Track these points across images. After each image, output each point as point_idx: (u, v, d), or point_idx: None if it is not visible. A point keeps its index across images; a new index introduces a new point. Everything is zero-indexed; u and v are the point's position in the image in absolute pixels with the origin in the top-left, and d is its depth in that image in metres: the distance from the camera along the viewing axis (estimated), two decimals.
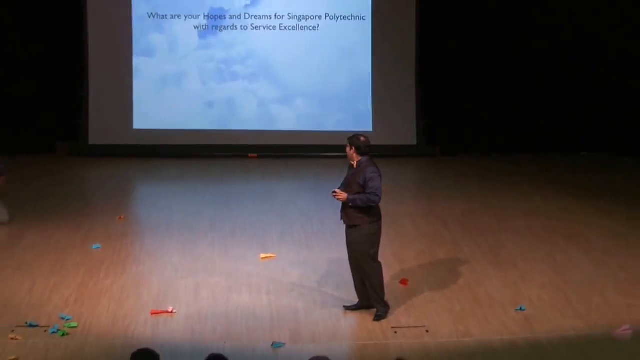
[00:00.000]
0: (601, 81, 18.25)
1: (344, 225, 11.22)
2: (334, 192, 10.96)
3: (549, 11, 18.16)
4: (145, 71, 18.75)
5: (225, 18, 18.68)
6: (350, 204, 10.87)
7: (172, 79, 18.79)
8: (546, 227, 14.61)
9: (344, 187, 11.03)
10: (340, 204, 11.11)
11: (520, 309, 11.57)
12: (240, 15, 18.65)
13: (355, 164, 10.98)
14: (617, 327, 11.01)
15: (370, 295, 11.30)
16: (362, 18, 18.66)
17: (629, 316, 11.37)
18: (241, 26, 18.66)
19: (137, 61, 18.72)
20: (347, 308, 11.49)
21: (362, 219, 10.98)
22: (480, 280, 12.51)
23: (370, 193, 10.80)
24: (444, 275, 12.67)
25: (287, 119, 18.88)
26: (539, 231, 14.45)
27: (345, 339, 10.91)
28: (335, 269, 12.56)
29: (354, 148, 10.95)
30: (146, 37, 18.71)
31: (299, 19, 18.61)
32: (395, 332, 10.93)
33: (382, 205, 11.03)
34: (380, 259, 11.33)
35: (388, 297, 11.47)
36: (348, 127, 17.94)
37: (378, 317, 11.23)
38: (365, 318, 11.27)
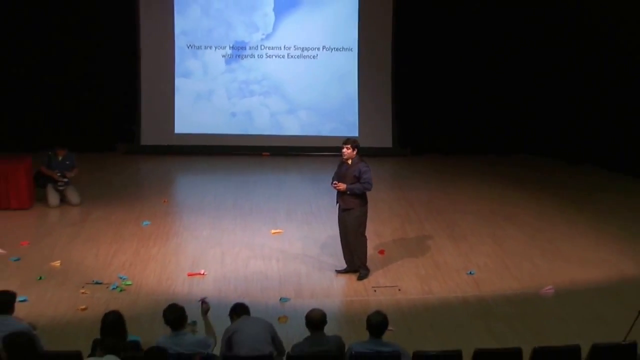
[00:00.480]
0: (538, 92, 18.20)
1: (336, 208, 11.27)
2: (335, 183, 10.98)
3: (505, 34, 18.14)
4: (184, 89, 18.67)
5: (245, 49, 18.60)
6: (349, 192, 10.90)
7: (205, 95, 18.73)
8: (490, 210, 14.60)
9: (338, 179, 11.04)
10: (335, 192, 11.14)
11: (470, 273, 11.64)
12: (257, 46, 18.56)
13: (350, 161, 10.98)
14: (543, 287, 11.11)
15: (356, 261, 11.37)
16: (350, 49, 18.58)
17: (552, 279, 11.45)
18: (258, 55, 18.58)
19: (178, 81, 18.64)
20: (338, 272, 11.54)
21: (355, 204, 11.06)
22: (440, 251, 12.54)
23: (365, 183, 10.89)
24: (412, 247, 12.69)
25: (293, 126, 18.79)
26: (485, 213, 14.44)
27: (337, 296, 10.93)
28: (329, 242, 12.56)
29: (356, 149, 10.98)
30: (185, 62, 18.63)
31: (302, 50, 18.54)
32: (375, 291, 10.99)
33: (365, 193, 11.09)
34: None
35: (369, 263, 11.54)
36: (340, 133, 17.90)
37: (361, 277, 11.32)
38: (352, 279, 11.33)
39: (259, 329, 8.00)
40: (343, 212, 11.19)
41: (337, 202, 11.21)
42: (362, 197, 11.08)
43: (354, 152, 10.97)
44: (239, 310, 8.27)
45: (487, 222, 13.91)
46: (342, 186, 10.91)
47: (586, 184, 16.47)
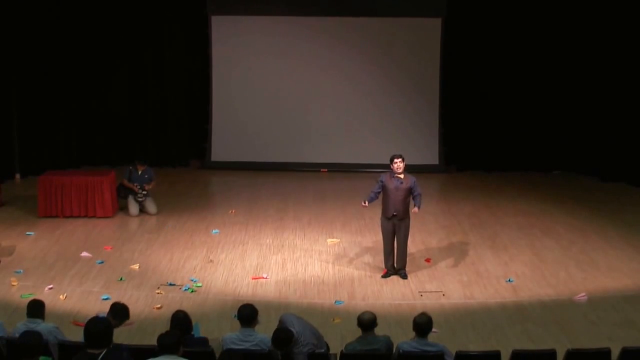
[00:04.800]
0: (574, 114, 18.02)
1: (383, 218, 11.40)
2: (415, 211, 11.38)
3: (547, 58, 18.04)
4: (250, 112, 18.64)
5: None
6: (419, 208, 11.36)
7: (266, 118, 18.81)
8: (528, 223, 14.41)
9: (395, 191, 11.13)
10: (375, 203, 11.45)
11: (509, 280, 11.53)
12: None
13: (402, 175, 11.06)
14: (576, 294, 10.97)
15: (402, 263, 11.50)
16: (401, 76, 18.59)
17: (585, 287, 11.30)
18: None
19: (245, 105, 18.60)
20: (383, 277, 11.55)
21: (407, 213, 11.32)
22: (481, 259, 12.45)
23: (420, 194, 11.28)
24: (456, 256, 12.60)
25: (348, 145, 18.60)
26: (523, 225, 14.26)
27: (386, 299, 10.88)
28: (380, 250, 12.43)
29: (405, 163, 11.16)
30: (252, 89, 18.63)
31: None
32: (421, 295, 10.95)
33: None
34: (411, 245, 11.55)
35: (416, 272, 11.59)
36: (392, 152, 17.74)
37: (405, 276, 11.47)
38: (400, 285, 11.29)
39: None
40: (399, 221, 11.25)
41: (392, 212, 11.21)
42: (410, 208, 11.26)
43: (405, 164, 11.13)
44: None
45: (526, 234, 13.75)
46: (416, 210, 11.34)
47: (619, 200, 16.18)
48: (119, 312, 7.95)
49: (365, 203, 11.37)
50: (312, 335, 7.90)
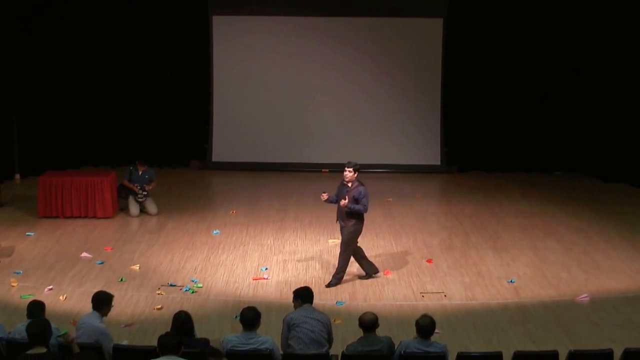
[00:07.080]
0: (576, 114, 18.03)
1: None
2: (342, 200, 10.86)
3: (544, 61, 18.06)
4: (251, 113, 18.64)
5: None
6: (348, 209, 10.82)
7: (267, 119, 18.78)
8: (530, 224, 14.40)
9: (339, 198, 11.01)
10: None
11: (511, 281, 11.52)
12: None
13: (350, 184, 10.94)
14: (578, 295, 10.97)
15: (338, 270, 11.38)
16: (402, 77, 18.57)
17: (587, 288, 11.30)
18: None
19: (245, 106, 18.59)
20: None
21: (350, 223, 11.03)
22: (483, 260, 12.43)
23: (362, 205, 10.85)
24: (458, 256, 12.60)
25: (349, 145, 18.34)
26: (525, 226, 14.25)
27: (388, 300, 10.87)
28: (381, 251, 12.51)
29: (357, 172, 10.93)
30: (252, 90, 18.62)
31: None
32: (423, 296, 10.95)
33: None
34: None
35: (419, 272, 11.58)
36: (393, 153, 17.92)
37: (329, 285, 11.24)
38: (401, 285, 11.28)
39: (318, 327, 8.00)
40: (341, 229, 11.22)
41: (337, 219, 11.23)
42: (359, 217, 11.03)
43: (355, 175, 10.91)
44: (304, 296, 8.24)
45: (528, 235, 13.74)
46: (344, 202, 10.78)
47: (620, 201, 16.18)
48: (100, 300, 7.99)
49: (325, 194, 11.18)
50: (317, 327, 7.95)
